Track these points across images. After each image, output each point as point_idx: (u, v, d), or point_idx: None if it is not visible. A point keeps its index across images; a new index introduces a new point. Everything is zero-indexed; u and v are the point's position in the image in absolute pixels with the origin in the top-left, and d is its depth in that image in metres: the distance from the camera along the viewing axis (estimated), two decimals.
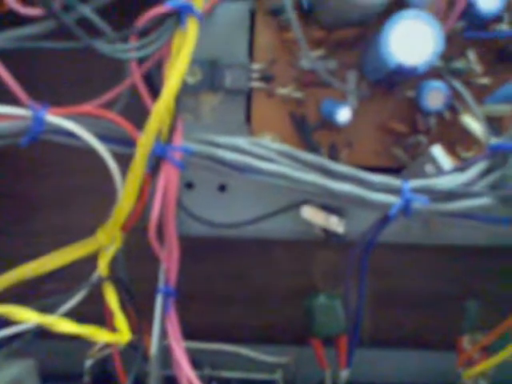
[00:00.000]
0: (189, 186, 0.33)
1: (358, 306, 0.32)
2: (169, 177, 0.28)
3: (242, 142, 0.28)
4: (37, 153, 0.37)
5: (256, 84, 0.32)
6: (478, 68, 0.31)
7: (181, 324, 0.31)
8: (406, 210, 0.27)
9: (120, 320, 0.27)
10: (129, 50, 0.25)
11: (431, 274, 0.39)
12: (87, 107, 0.27)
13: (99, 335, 0.25)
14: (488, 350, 0.33)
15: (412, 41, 0.27)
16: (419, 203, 0.27)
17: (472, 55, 0.30)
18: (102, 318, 0.29)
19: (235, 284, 0.38)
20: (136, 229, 0.30)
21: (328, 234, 0.32)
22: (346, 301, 0.33)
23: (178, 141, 0.27)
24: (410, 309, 0.39)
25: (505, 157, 0.27)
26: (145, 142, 0.27)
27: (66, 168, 0.38)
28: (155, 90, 0.28)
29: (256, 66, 0.31)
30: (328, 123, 0.32)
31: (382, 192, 0.27)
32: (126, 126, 0.27)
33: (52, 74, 0.35)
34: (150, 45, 0.25)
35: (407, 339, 0.38)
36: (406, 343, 0.38)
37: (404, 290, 0.39)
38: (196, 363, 0.35)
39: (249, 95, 0.32)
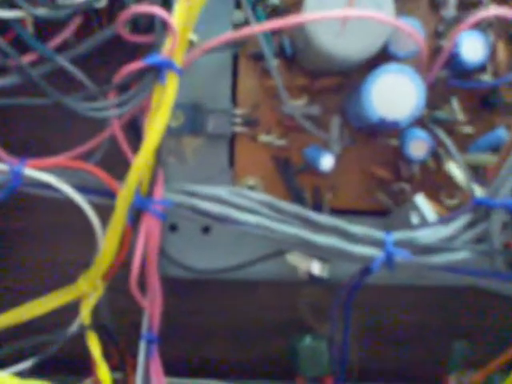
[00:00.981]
0: (172, 228, 0.32)
1: (343, 349, 0.32)
2: (150, 228, 0.27)
3: (223, 192, 0.28)
4: None
5: (239, 128, 0.31)
6: (461, 117, 0.30)
7: (165, 359, 0.32)
8: (388, 263, 0.27)
9: (103, 371, 0.27)
10: (107, 108, 0.25)
11: (417, 309, 0.39)
12: (63, 159, 0.27)
13: None
14: None
15: (394, 95, 0.26)
16: (401, 256, 0.27)
17: (455, 103, 0.30)
18: None
19: (219, 319, 0.38)
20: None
21: (312, 277, 0.32)
22: (331, 341, 0.33)
23: (159, 193, 0.27)
24: (396, 344, 0.39)
25: (487, 211, 0.27)
26: (125, 196, 0.26)
27: (54, 204, 0.38)
28: (139, 136, 0.28)
29: (239, 111, 0.31)
30: (311, 167, 0.32)
31: (364, 244, 0.27)
32: (105, 178, 0.27)
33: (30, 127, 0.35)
34: (130, 101, 0.25)
35: (394, 374, 0.38)
36: (393, 379, 0.38)
37: (390, 325, 0.39)
38: None
39: (232, 139, 0.32)
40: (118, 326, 0.31)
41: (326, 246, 0.27)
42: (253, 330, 0.38)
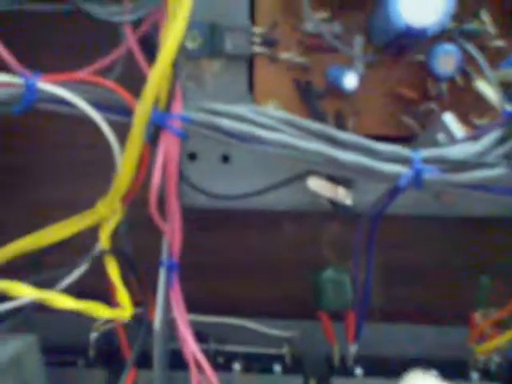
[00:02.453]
0: (191, 156, 0.31)
1: (365, 279, 0.31)
2: (169, 146, 0.26)
3: (243, 110, 0.27)
4: (40, 123, 0.36)
5: (258, 49, 0.30)
6: (492, 30, 0.29)
7: (186, 296, 0.31)
8: (416, 181, 0.26)
9: (122, 294, 0.26)
10: (122, 13, 0.24)
11: (442, 247, 0.38)
12: (81, 74, 0.26)
13: (99, 311, 0.24)
14: (501, 325, 0.33)
15: (422, 1, 0.25)
16: (430, 174, 0.26)
17: (485, 16, 0.29)
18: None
19: (241, 256, 0.38)
20: (138, 199, 0.29)
21: (335, 205, 0.31)
22: (354, 275, 0.32)
23: (178, 109, 0.26)
24: (420, 282, 0.38)
25: None
26: (142, 111, 0.25)
27: (70, 141, 0.37)
28: (153, 56, 0.27)
29: (258, 30, 0.30)
30: (334, 90, 0.30)
31: (390, 162, 0.26)
32: (123, 94, 0.26)
33: (44, 40, 0.34)
34: (144, 6, 0.24)
35: (417, 313, 0.37)
36: (416, 317, 0.37)
37: (414, 263, 0.38)
38: (201, 336, 0.35)
39: (251, 61, 0.31)
40: (139, 262, 0.30)
41: (351, 163, 0.26)
42: (274, 268, 0.37)
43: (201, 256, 0.37)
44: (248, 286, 0.38)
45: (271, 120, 0.27)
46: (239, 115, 0.27)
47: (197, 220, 0.33)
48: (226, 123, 0.26)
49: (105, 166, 0.27)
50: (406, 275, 0.38)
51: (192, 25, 0.27)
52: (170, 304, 0.29)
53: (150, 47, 0.28)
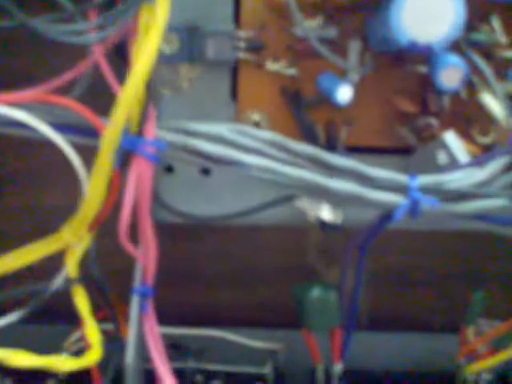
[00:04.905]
0: (168, 169, 0.29)
1: (353, 299, 0.29)
2: (141, 172, 0.24)
3: (224, 130, 0.24)
4: None
5: (242, 54, 0.27)
6: (502, 39, 0.26)
7: (163, 307, 0.29)
8: (413, 211, 0.24)
9: (91, 331, 0.24)
10: (86, 31, 0.21)
11: (433, 252, 0.36)
12: (39, 93, 0.23)
13: (64, 365, 0.22)
14: (493, 343, 0.31)
15: (428, 14, 0.22)
16: (428, 204, 0.24)
17: (496, 23, 0.26)
18: None
19: (219, 263, 0.36)
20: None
21: (323, 224, 0.29)
22: (342, 291, 0.30)
23: (151, 132, 0.24)
24: (411, 289, 0.36)
25: None
26: (111, 136, 0.23)
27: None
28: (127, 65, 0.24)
29: (243, 34, 0.27)
30: (326, 99, 0.28)
31: (386, 189, 0.24)
32: (87, 115, 0.23)
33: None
34: (113, 22, 0.21)
35: (406, 322, 0.36)
36: (406, 327, 0.36)
37: (404, 269, 0.36)
38: (180, 349, 0.33)
39: (234, 68, 0.28)
40: (108, 270, 0.28)
41: (342, 192, 0.24)
42: (255, 275, 0.35)
43: (176, 264, 0.35)
44: (228, 293, 0.36)
45: (255, 141, 0.24)
46: (219, 136, 0.24)
47: (170, 227, 0.30)
48: (204, 146, 0.24)
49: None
50: (395, 282, 0.36)
51: (169, 27, 0.24)
52: (144, 332, 0.27)
53: (121, 55, 0.25)
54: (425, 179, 0.24)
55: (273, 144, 0.24)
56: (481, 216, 0.24)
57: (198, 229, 0.34)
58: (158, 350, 0.27)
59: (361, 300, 0.35)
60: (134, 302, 0.27)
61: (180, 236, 0.34)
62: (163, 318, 0.33)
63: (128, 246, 0.25)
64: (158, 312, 0.31)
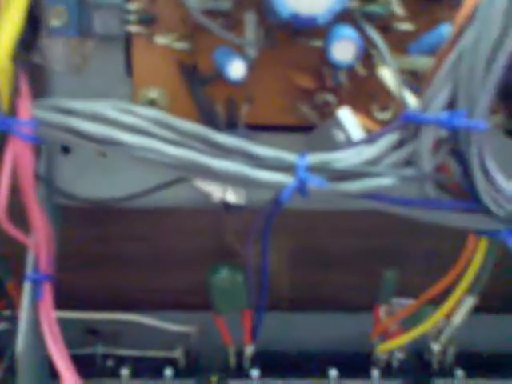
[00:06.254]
0: (65, 150, 0.28)
1: (261, 281, 0.29)
2: (18, 153, 0.23)
3: (105, 108, 0.23)
4: None
5: (134, 28, 0.26)
6: (399, 10, 0.25)
7: (77, 291, 0.28)
8: (300, 191, 0.23)
9: None
10: None
11: (349, 231, 0.35)
12: None
13: None
14: (405, 322, 0.31)
15: None
16: (315, 184, 0.23)
17: None
18: None
19: (134, 246, 0.35)
20: None
21: (227, 205, 0.28)
22: (248, 272, 0.29)
23: (25, 111, 0.23)
24: (328, 269, 0.36)
25: (417, 129, 0.22)
26: None
27: None
28: None
29: (133, 6, 0.26)
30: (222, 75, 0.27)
31: (273, 170, 0.23)
32: None
33: None
34: None
35: (326, 301, 0.35)
36: (326, 306, 0.35)
37: (322, 249, 0.36)
38: (92, 333, 0.32)
39: (128, 42, 0.27)
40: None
41: (226, 172, 0.23)
42: (171, 258, 0.34)
43: (88, 247, 0.34)
44: (143, 277, 0.35)
45: (139, 120, 0.23)
46: (100, 114, 0.23)
47: (81, 211, 0.29)
48: (83, 126, 0.23)
49: None
50: (315, 261, 0.36)
51: None
52: (39, 319, 0.26)
53: None
54: (313, 158, 0.23)
55: (157, 122, 0.24)
56: (370, 195, 0.23)
57: (110, 212, 0.33)
58: (53, 337, 0.26)
59: (280, 281, 0.35)
60: (26, 290, 0.26)
61: (93, 219, 0.33)
62: (78, 303, 0.33)
63: (13, 232, 0.25)
64: (72, 297, 0.31)
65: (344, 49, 0.24)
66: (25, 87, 0.22)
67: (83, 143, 0.23)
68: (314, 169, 0.23)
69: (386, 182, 0.23)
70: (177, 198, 0.28)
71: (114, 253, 0.34)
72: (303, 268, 0.35)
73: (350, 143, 0.25)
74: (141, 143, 0.23)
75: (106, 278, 0.34)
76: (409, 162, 0.23)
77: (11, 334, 0.26)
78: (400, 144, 0.23)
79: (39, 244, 0.25)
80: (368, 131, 0.25)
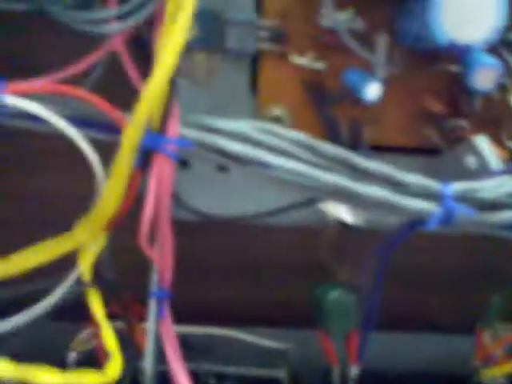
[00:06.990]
0: (183, 164, 0.28)
1: (371, 304, 0.29)
2: (162, 171, 0.23)
3: (249, 128, 0.23)
4: None
5: (264, 45, 0.26)
6: None
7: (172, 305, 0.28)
8: (446, 220, 0.23)
9: (109, 339, 0.23)
10: (105, 20, 0.19)
11: (453, 252, 0.35)
12: (52, 83, 0.21)
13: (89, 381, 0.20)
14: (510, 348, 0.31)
15: (469, 14, 0.21)
16: (463, 213, 0.23)
17: None
18: None
19: (228, 260, 0.34)
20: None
21: (344, 225, 0.28)
22: (361, 293, 0.29)
23: (173, 130, 0.22)
24: (430, 290, 0.35)
25: None
26: (132, 133, 0.21)
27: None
28: (145, 55, 0.23)
29: (265, 23, 0.25)
30: (350, 95, 0.26)
31: (418, 197, 0.23)
32: (105, 108, 0.21)
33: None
34: (136, 11, 0.19)
35: (420, 322, 0.35)
36: (420, 326, 0.35)
37: (424, 270, 0.35)
38: (189, 348, 0.32)
39: (255, 59, 0.26)
40: (121, 265, 0.27)
41: (373, 198, 0.23)
42: (266, 273, 0.34)
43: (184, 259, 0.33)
44: (237, 291, 0.35)
45: (281, 141, 0.23)
46: (244, 135, 0.23)
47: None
48: (229, 146, 0.22)
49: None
50: (415, 282, 0.35)
51: None
52: (160, 337, 0.26)
53: (142, 45, 0.23)
54: (458, 187, 0.23)
55: (300, 144, 0.23)
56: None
57: (205, 225, 0.32)
58: (175, 355, 0.26)
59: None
60: (152, 308, 0.26)
61: (186, 231, 0.33)
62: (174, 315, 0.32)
63: (147, 249, 0.24)
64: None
65: (485, 76, 0.24)
66: (175, 106, 0.22)
67: (228, 162, 0.23)
68: (458, 198, 0.23)
69: None
70: (292, 220, 0.28)
71: (208, 266, 0.33)
72: (394, 287, 0.35)
73: (484, 171, 0.25)
74: (289, 166, 0.22)
75: (197, 291, 0.34)
76: None
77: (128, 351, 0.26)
78: None
79: (164, 260, 0.25)
80: (502, 160, 0.25)
